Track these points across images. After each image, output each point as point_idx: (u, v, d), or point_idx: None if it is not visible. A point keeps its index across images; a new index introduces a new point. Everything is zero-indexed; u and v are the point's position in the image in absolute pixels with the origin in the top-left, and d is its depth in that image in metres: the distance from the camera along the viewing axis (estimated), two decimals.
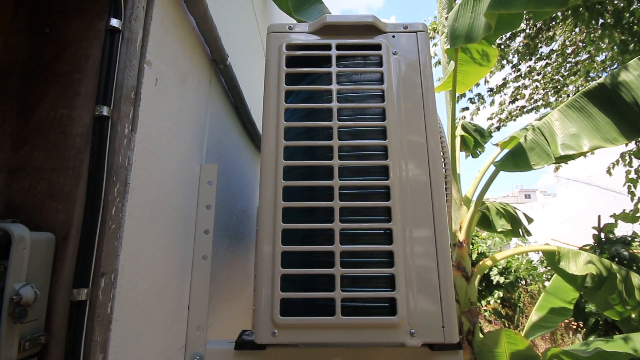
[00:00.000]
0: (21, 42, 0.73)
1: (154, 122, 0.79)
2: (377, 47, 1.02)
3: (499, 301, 7.92)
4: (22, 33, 0.74)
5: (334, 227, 0.88)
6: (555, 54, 5.79)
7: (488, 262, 3.19)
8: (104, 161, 0.63)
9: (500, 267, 7.80)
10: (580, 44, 5.52)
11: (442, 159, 1.06)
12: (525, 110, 6.69)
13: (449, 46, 2.55)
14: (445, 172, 1.09)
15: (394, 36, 1.04)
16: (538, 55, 5.85)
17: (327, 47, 1.02)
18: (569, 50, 5.70)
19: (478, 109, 6.65)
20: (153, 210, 0.78)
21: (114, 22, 0.69)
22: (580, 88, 5.87)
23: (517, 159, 2.72)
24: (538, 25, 5.37)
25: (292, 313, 0.85)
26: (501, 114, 6.85)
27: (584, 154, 2.30)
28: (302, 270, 0.87)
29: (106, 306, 0.61)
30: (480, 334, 3.10)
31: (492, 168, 3.28)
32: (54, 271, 0.59)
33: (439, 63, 5.26)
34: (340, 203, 0.89)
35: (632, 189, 5.07)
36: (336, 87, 0.98)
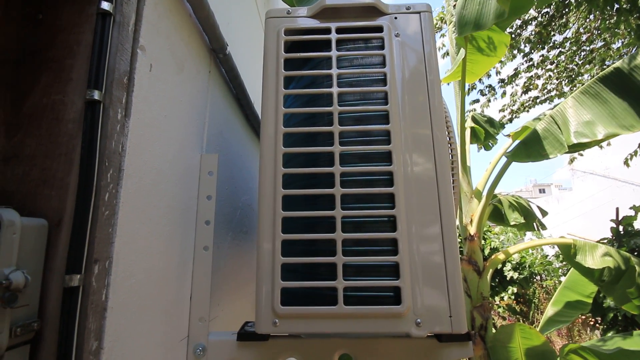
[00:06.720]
0: (14, 30, 0.72)
1: (149, 108, 0.77)
2: (379, 29, 0.98)
3: (513, 297, 7.78)
4: (15, 21, 0.73)
5: (335, 215, 0.85)
6: (569, 42, 5.61)
7: (501, 256, 3.11)
8: (96, 146, 0.62)
9: (514, 262, 7.65)
10: (595, 31, 5.34)
11: (449, 144, 1.03)
12: (538, 101, 6.51)
13: (457, 35, 2.49)
14: (452, 157, 1.05)
15: (396, 18, 1.00)
16: (551, 44, 5.67)
17: (327, 31, 0.99)
18: (583, 38, 5.52)
19: (489, 100, 6.51)
20: (149, 198, 0.77)
21: (105, 5, 0.68)
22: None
23: (529, 148, 2.64)
24: (550, 13, 5.20)
25: (294, 303, 0.83)
26: (513, 105, 6.69)
27: (598, 142, 2.21)
28: (303, 259, 0.85)
29: (100, 293, 0.60)
30: (493, 329, 3.04)
31: (504, 159, 3.20)
32: (47, 257, 0.58)
33: (447, 54, 5.16)
34: (342, 190, 0.86)
35: None
36: (336, 72, 0.95)
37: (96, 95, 0.63)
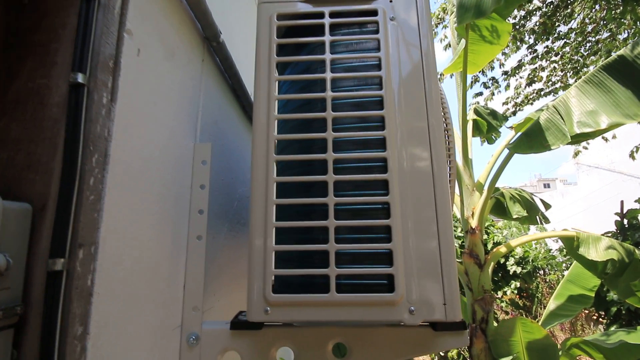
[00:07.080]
0: (1, 16, 0.71)
1: (137, 94, 0.76)
2: (373, 13, 0.96)
3: (515, 292, 7.74)
4: (1, 6, 0.72)
5: (327, 202, 0.84)
6: (574, 32, 5.52)
7: (502, 249, 3.09)
8: (80, 130, 0.61)
9: (517, 256, 7.60)
10: (601, 22, 5.24)
11: (445, 132, 1.00)
12: (542, 93, 6.42)
13: (457, 23, 2.45)
14: (449, 145, 1.03)
15: (391, 1, 0.98)
16: (556, 35, 5.58)
17: (320, 15, 0.97)
18: (589, 29, 5.42)
19: (492, 93, 6.44)
20: (139, 184, 0.76)
21: None
22: None
23: (531, 140, 2.61)
24: (555, 3, 5.11)
25: (287, 292, 0.82)
26: (517, 98, 6.60)
27: (602, 132, 2.17)
28: (294, 247, 0.84)
29: (85, 278, 0.59)
30: (494, 323, 3.03)
31: (506, 152, 3.17)
32: (32, 242, 0.57)
33: (449, 46, 5.10)
34: (335, 177, 0.85)
35: None
36: (330, 57, 0.93)
37: (80, 78, 0.62)
